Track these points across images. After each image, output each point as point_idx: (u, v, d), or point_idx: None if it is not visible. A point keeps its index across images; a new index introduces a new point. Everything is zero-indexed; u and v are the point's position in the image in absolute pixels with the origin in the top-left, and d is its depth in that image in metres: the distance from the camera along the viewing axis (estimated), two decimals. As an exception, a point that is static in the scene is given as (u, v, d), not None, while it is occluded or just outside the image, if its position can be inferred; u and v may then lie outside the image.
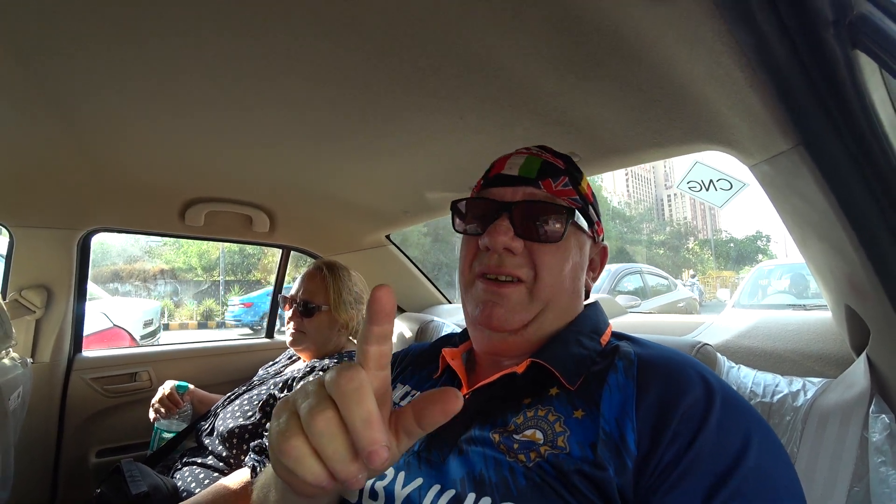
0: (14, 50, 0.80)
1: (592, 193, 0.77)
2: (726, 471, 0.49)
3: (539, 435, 0.58)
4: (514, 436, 0.59)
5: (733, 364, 0.99)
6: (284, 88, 0.93)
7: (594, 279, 0.79)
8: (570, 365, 0.63)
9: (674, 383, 0.56)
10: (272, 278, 2.41)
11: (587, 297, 0.83)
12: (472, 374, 0.76)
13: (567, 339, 0.68)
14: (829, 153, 0.60)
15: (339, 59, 0.82)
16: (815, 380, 0.89)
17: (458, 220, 0.77)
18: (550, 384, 0.63)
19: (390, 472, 0.65)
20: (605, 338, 0.71)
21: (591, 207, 0.74)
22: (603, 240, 0.80)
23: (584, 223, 0.72)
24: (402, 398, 0.80)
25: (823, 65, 0.49)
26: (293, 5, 0.69)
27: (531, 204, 0.68)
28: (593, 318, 0.74)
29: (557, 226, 0.68)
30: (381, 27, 0.73)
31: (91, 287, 1.98)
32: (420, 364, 0.86)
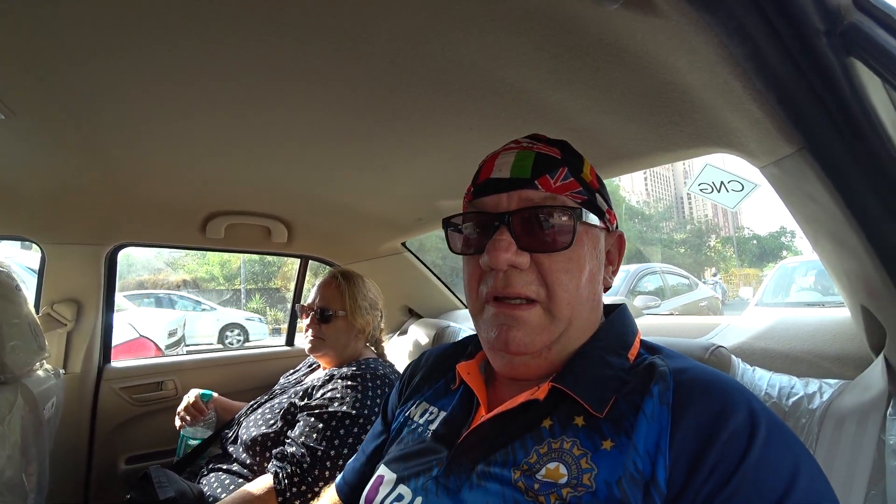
0: (43, 77, 0.85)
1: (598, 177, 0.68)
2: None
3: (563, 470, 0.54)
4: (537, 475, 0.55)
5: (748, 366, 0.98)
6: (300, 104, 0.97)
7: (613, 273, 0.70)
8: (595, 390, 0.58)
9: (714, 412, 0.51)
10: (292, 286, 2.46)
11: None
12: (490, 387, 0.72)
13: (591, 357, 0.62)
14: (832, 155, 0.60)
15: (352, 75, 0.85)
16: (832, 381, 0.88)
17: (453, 241, 0.69)
18: (575, 411, 0.58)
19: (408, 494, 0.63)
20: (634, 351, 0.64)
21: (597, 195, 0.65)
22: (617, 227, 0.70)
23: (593, 219, 0.63)
24: (422, 416, 0.75)
25: (820, 71, 0.50)
26: (307, 26, 0.71)
27: (531, 210, 0.60)
28: (619, 328, 0.67)
29: (565, 230, 0.60)
30: (392, 45, 0.75)
31: (117, 298, 2.05)
32: (436, 374, 0.81)
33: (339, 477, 0.90)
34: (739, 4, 0.45)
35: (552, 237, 0.60)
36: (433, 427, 0.71)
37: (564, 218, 0.60)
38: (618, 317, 0.69)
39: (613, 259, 0.70)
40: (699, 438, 0.50)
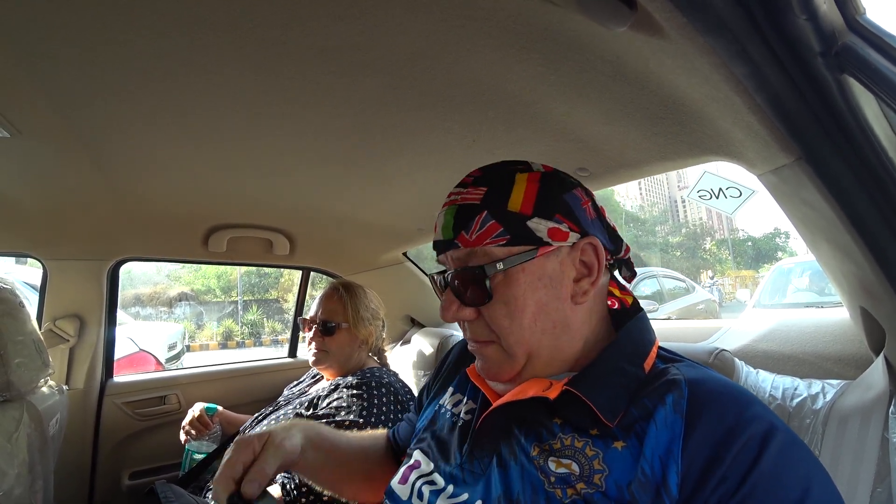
0: (45, 94, 0.86)
1: (538, 195, 0.64)
2: None
3: (576, 467, 0.56)
4: (550, 462, 0.58)
5: (752, 369, 1.00)
6: (302, 119, 0.98)
7: (594, 283, 0.65)
8: (608, 399, 0.58)
9: (730, 423, 0.51)
10: (290, 296, 2.46)
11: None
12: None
13: (606, 366, 0.62)
14: (829, 166, 0.62)
15: (354, 92, 0.86)
16: (834, 382, 0.89)
17: (436, 293, 0.76)
18: (587, 418, 0.59)
19: (440, 481, 0.66)
20: (650, 361, 0.64)
21: (531, 221, 0.63)
22: (584, 234, 0.65)
23: (521, 254, 0.62)
24: (454, 404, 0.79)
25: (816, 89, 0.52)
26: (311, 48, 0.73)
27: (457, 274, 0.66)
28: (636, 337, 0.67)
29: (482, 287, 0.63)
30: (394, 64, 0.77)
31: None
32: (461, 364, 0.85)
33: (391, 430, 1.01)
34: (742, 30, 0.48)
35: (480, 293, 0.64)
36: (461, 415, 0.75)
37: (477, 278, 0.64)
38: (635, 326, 0.68)
39: (591, 267, 0.66)
40: (713, 447, 0.50)
